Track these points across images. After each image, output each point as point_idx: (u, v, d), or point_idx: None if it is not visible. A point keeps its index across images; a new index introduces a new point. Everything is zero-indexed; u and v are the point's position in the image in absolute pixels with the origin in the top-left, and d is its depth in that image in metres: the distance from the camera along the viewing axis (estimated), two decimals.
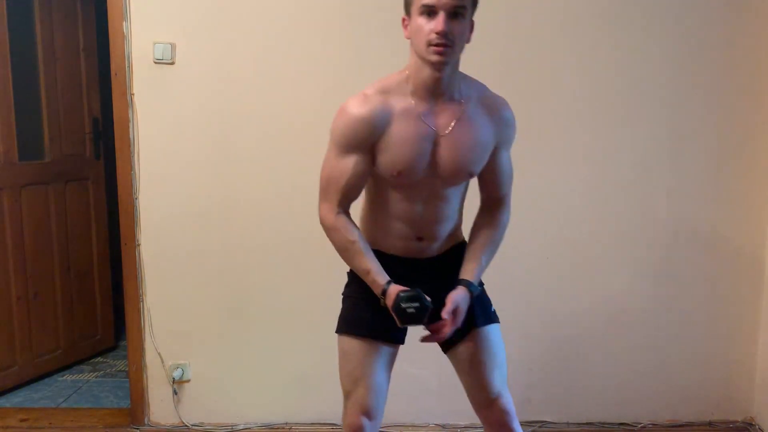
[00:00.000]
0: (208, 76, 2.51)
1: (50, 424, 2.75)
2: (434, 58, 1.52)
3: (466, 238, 1.82)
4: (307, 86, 2.52)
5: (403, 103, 1.60)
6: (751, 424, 2.69)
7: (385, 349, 1.75)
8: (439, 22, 1.49)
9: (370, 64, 2.50)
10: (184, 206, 2.58)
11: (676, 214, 2.60)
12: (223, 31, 2.50)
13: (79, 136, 3.29)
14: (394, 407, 2.68)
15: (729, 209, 2.60)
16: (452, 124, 1.60)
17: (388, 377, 1.77)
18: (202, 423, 2.70)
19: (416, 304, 1.55)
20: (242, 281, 2.63)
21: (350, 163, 1.61)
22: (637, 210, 2.60)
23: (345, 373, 1.74)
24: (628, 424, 2.69)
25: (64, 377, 3.21)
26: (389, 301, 1.60)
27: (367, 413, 1.70)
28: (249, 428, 2.69)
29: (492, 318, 1.78)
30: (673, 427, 2.69)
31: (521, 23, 2.50)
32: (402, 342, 1.79)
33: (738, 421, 2.71)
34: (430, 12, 1.50)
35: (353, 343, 1.73)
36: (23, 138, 3.02)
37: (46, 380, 3.17)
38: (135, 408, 2.71)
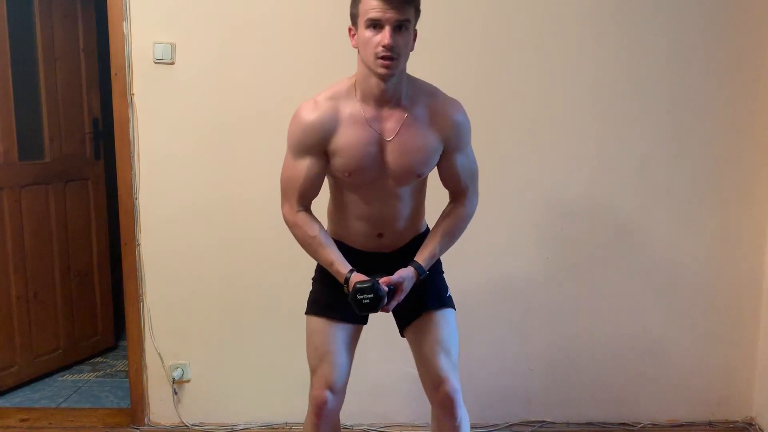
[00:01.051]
0: (208, 76, 2.51)
1: (50, 424, 2.75)
2: (381, 70, 1.61)
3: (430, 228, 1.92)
4: (307, 86, 2.49)
5: (350, 108, 1.70)
6: (751, 424, 2.69)
7: (348, 328, 1.87)
8: (385, 36, 1.58)
9: None
10: (184, 206, 2.58)
11: (676, 214, 2.60)
12: (223, 31, 2.50)
13: (79, 136, 3.29)
14: (394, 407, 2.69)
15: (729, 209, 2.60)
16: (397, 129, 1.70)
17: (351, 355, 1.89)
18: (202, 423, 2.70)
19: (371, 295, 1.66)
20: (242, 281, 2.63)
21: (304, 165, 1.73)
22: (637, 210, 2.60)
23: (311, 351, 1.87)
24: (628, 424, 2.69)
25: (64, 377, 3.21)
26: (348, 291, 1.71)
27: (331, 387, 1.81)
28: (249, 428, 2.69)
29: (445, 303, 1.88)
30: (673, 427, 2.69)
31: (520, 21, 2.50)
32: (365, 323, 1.91)
33: (738, 421, 2.71)
34: (376, 25, 1.59)
35: (318, 323, 1.86)
36: (23, 138, 3.02)
37: (46, 380, 3.17)
38: (135, 408, 2.71)
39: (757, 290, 2.64)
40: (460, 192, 1.83)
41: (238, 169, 2.57)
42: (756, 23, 2.50)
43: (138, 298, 2.64)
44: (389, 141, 1.70)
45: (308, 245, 1.79)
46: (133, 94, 2.52)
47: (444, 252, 1.85)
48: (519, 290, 2.63)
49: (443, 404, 1.81)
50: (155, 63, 2.49)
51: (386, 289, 1.69)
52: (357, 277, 1.71)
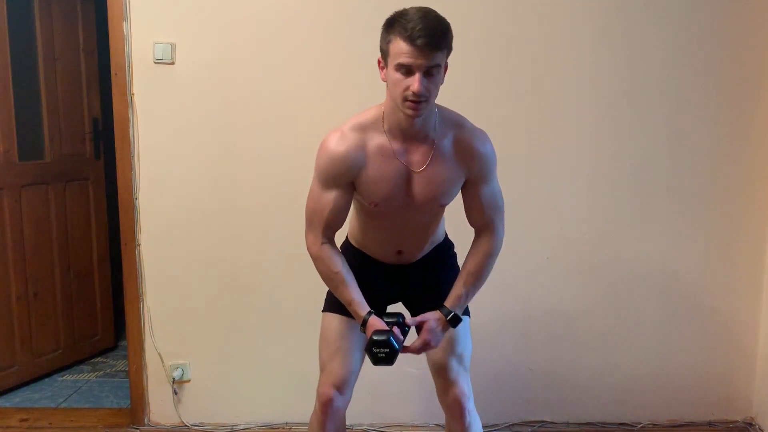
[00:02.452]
0: (208, 76, 2.51)
1: (50, 424, 2.75)
2: (409, 112, 1.59)
3: (449, 235, 1.96)
4: (308, 86, 2.52)
5: (378, 140, 1.68)
6: (751, 424, 2.69)
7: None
8: (415, 82, 1.54)
9: (371, 65, 2.50)
10: (184, 206, 2.58)
11: (675, 213, 2.60)
12: (224, 31, 2.50)
13: (79, 136, 3.29)
14: (394, 407, 2.69)
15: (729, 209, 2.60)
16: (425, 162, 1.68)
17: (362, 357, 1.88)
18: (202, 423, 2.70)
19: (386, 350, 1.66)
20: (242, 281, 2.63)
21: (331, 196, 1.71)
22: (637, 210, 2.60)
23: (324, 347, 1.88)
24: (628, 424, 2.69)
25: (64, 377, 3.21)
26: (366, 336, 1.71)
27: (338, 386, 1.81)
28: (249, 428, 2.69)
29: None
30: (673, 427, 2.69)
31: (519, 21, 2.50)
32: None
33: (738, 421, 2.71)
34: (406, 69, 1.55)
35: (334, 320, 1.87)
36: (23, 138, 3.02)
37: (46, 380, 3.17)
38: (135, 408, 2.71)
39: (757, 290, 2.64)
40: (484, 226, 1.80)
41: (238, 169, 2.57)
42: (756, 23, 2.50)
43: (138, 298, 2.64)
44: (417, 173, 1.69)
45: (330, 280, 1.78)
46: (133, 94, 2.52)
47: (474, 294, 1.82)
48: (519, 290, 2.63)
49: (451, 408, 1.83)
50: (155, 63, 2.49)
51: (402, 338, 1.70)
52: (374, 322, 1.71)
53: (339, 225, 1.77)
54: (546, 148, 2.57)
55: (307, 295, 2.56)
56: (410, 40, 1.51)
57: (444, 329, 1.77)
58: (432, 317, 1.76)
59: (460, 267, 1.84)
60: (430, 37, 1.51)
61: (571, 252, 2.62)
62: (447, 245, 1.96)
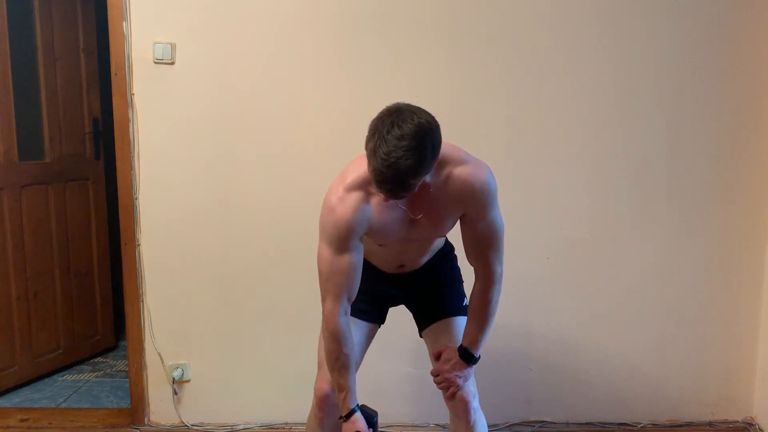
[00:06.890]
0: (208, 76, 2.51)
1: (50, 424, 2.75)
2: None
3: (449, 238, 1.96)
4: (308, 86, 2.52)
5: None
6: (751, 424, 2.69)
7: (364, 326, 1.90)
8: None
9: (371, 65, 2.51)
10: (185, 206, 2.58)
11: (675, 214, 2.60)
12: (224, 31, 2.50)
13: (79, 136, 3.29)
14: (394, 407, 2.69)
15: (729, 209, 2.60)
16: (423, 207, 1.65)
17: (362, 354, 1.91)
18: (202, 423, 2.70)
19: None
20: (242, 281, 2.63)
21: (346, 259, 1.66)
22: (637, 210, 2.60)
23: (322, 344, 1.84)
24: (628, 424, 2.69)
25: (64, 377, 3.21)
26: (347, 426, 1.71)
27: None
28: (249, 428, 2.69)
29: (461, 311, 1.91)
30: (673, 427, 2.69)
31: (519, 22, 2.50)
32: (382, 322, 1.97)
33: (738, 421, 2.71)
34: None
35: None
36: (23, 138, 3.02)
37: (46, 380, 3.17)
38: (135, 408, 2.71)
39: (757, 291, 2.64)
40: (480, 264, 1.76)
41: (237, 169, 2.57)
42: (757, 25, 2.50)
43: (138, 298, 2.64)
44: (417, 218, 1.67)
45: (335, 360, 1.71)
46: (133, 94, 2.52)
47: (487, 330, 1.81)
48: (519, 290, 2.63)
49: (456, 406, 1.83)
50: (155, 63, 2.49)
51: None
52: (357, 421, 1.70)
53: (358, 283, 1.70)
54: (546, 148, 2.57)
55: (307, 295, 2.56)
56: (376, 183, 1.47)
57: (459, 364, 1.80)
58: (451, 355, 1.81)
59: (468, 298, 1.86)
60: (389, 192, 1.47)
61: (571, 252, 2.62)
62: (447, 249, 1.98)
